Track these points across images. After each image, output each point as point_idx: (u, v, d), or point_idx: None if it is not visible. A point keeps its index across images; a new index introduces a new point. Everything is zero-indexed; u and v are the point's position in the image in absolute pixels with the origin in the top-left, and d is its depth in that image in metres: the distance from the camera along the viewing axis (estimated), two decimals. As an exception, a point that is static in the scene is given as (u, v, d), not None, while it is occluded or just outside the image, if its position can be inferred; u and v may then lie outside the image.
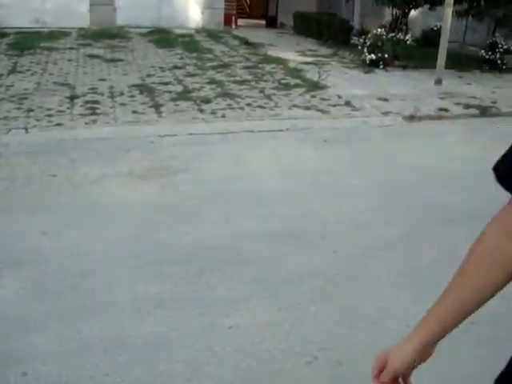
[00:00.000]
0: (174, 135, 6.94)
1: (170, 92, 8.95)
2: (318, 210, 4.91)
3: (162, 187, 5.30)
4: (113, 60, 11.53)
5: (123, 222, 4.50)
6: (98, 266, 3.83)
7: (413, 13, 14.84)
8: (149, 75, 10.21)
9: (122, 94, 8.75)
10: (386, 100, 9.32)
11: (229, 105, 8.37)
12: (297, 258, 4.04)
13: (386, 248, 4.28)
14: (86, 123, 7.24)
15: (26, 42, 13.14)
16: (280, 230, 4.45)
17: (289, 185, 5.50)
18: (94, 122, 7.31)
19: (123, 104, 8.17)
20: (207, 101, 8.50)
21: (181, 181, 5.48)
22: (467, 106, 9.37)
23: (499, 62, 13.83)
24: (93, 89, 8.96)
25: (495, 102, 9.78)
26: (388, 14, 15.46)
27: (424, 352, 1.18)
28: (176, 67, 11.03)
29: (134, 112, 7.78)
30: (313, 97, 9.17)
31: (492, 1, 13.36)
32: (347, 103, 8.93)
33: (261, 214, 4.72)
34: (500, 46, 13.84)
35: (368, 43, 12.40)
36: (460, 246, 4.30)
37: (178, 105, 8.24)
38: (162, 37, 15.13)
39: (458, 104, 9.48)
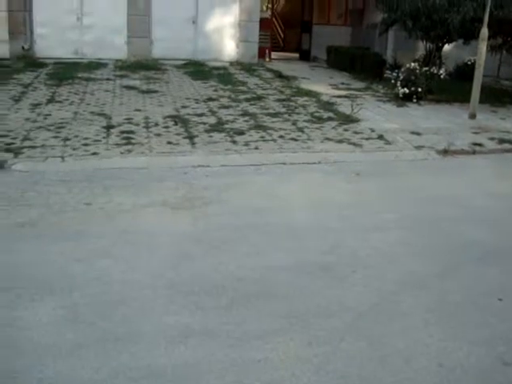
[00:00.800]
0: (208, 166, 7.03)
1: (204, 123, 9.08)
2: (348, 243, 4.90)
3: (195, 218, 5.35)
4: (148, 91, 11.75)
5: (156, 252, 4.55)
6: (130, 294, 3.87)
7: (446, 47, 14.85)
8: (183, 106, 10.38)
9: (156, 124, 8.90)
10: (418, 134, 9.30)
11: (262, 137, 8.45)
12: (327, 292, 4.03)
13: (418, 284, 4.24)
14: (122, 153, 7.37)
15: (65, 72, 13.52)
16: (310, 263, 4.45)
17: (320, 218, 5.51)
18: (129, 151, 7.44)
19: (158, 134, 8.31)
20: (240, 132, 8.59)
21: (213, 212, 5.53)
22: (501, 141, 9.29)
23: (534, 97, 13.73)
24: (128, 119, 9.14)
25: (530, 138, 9.68)
26: (421, 47, 15.49)
27: None
28: (210, 99, 11.19)
29: (168, 143, 7.91)
30: (345, 130, 9.20)
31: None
32: (380, 137, 8.94)
33: (291, 247, 4.73)
34: (535, 80, 13.75)
35: (401, 77, 12.43)
36: (491, 284, 4.29)
37: (211, 136, 8.35)
38: (197, 69, 15.40)
39: (492, 139, 9.41)
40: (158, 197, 5.87)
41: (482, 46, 11.05)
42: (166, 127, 8.76)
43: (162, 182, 6.37)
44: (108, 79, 13.12)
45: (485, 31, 10.95)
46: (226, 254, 4.54)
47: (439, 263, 4.64)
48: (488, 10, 10.93)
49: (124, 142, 7.83)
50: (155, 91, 11.82)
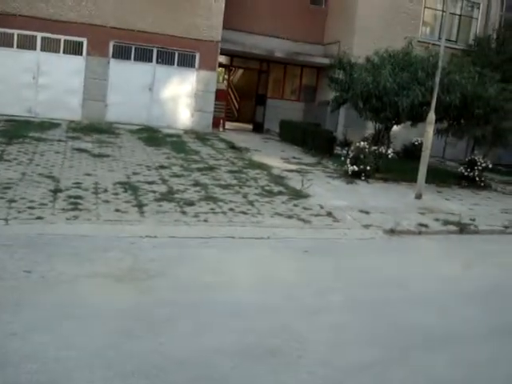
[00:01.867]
0: (155, 237, 6.92)
1: (154, 192, 9.00)
2: (295, 325, 4.83)
3: (139, 292, 5.20)
4: (100, 155, 11.66)
5: (96, 328, 4.37)
6: (65, 374, 3.68)
7: (395, 127, 15.36)
8: (135, 173, 10.30)
9: (106, 190, 8.78)
10: (366, 212, 9.44)
11: (212, 209, 8.42)
12: (271, 378, 3.92)
13: (363, 371, 4.19)
14: (68, 218, 7.20)
15: (16, 130, 13.33)
16: (255, 345, 4.35)
17: (266, 297, 5.44)
18: (76, 217, 7.28)
19: (106, 201, 8.18)
20: (191, 203, 8.55)
21: (158, 286, 5.39)
22: (446, 223, 9.53)
23: (477, 178, 14.25)
24: (77, 183, 8.99)
25: (474, 220, 9.97)
26: (371, 126, 15.99)
27: None
28: (162, 167, 11.17)
29: (116, 210, 7.78)
30: (295, 205, 9.28)
31: (471, 121, 13.89)
32: (329, 214, 9.04)
33: (236, 328, 4.62)
34: (479, 163, 14.29)
35: (351, 155, 12.73)
36: (436, 373, 4.26)
37: (161, 205, 8.27)
38: (151, 135, 15.42)
39: (437, 220, 9.64)
40: (101, 267, 5.70)
41: (430, 130, 11.50)
42: (116, 194, 8.65)
43: (108, 252, 6.22)
44: (59, 140, 12.99)
45: (432, 115, 11.42)
46: (169, 334, 4.40)
47: (385, 350, 4.61)
48: (435, 95, 11.43)
49: (71, 207, 7.67)
50: (107, 155, 11.73)
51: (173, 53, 18.13)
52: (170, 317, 4.70)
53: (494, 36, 20.92)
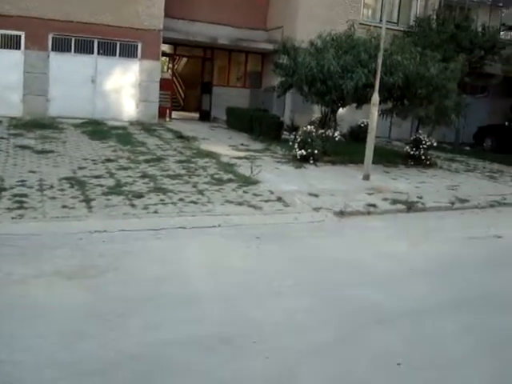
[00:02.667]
0: (104, 231, 6.81)
1: (101, 186, 8.85)
2: (249, 312, 4.84)
3: (89, 289, 5.11)
4: (44, 151, 11.38)
5: (46, 328, 4.28)
6: (17, 376, 3.59)
7: (341, 110, 15.50)
8: (80, 168, 10.10)
9: (51, 187, 8.57)
10: (316, 195, 9.52)
11: (161, 200, 8.34)
12: (228, 366, 3.92)
13: (319, 352, 4.23)
14: (13, 218, 7.01)
15: (-45, 130, 12.90)
16: (211, 335, 4.33)
17: (219, 286, 5.43)
18: (21, 216, 7.08)
19: (53, 198, 7.99)
20: (139, 195, 8.44)
21: (109, 281, 5.31)
22: (394, 202, 9.69)
23: (423, 157, 14.53)
24: (22, 181, 8.75)
25: (421, 197, 10.17)
26: (317, 109, 16.10)
27: None
28: (108, 160, 10.98)
29: (63, 206, 7.61)
30: (245, 192, 9.28)
31: (415, 101, 14.12)
32: (279, 199, 9.07)
33: (191, 318, 4.59)
34: (423, 142, 14.57)
35: (298, 139, 12.79)
36: (391, 348, 4.34)
37: (109, 199, 8.14)
38: (96, 128, 15.14)
39: (385, 199, 9.79)
40: (50, 266, 5.57)
41: (374, 111, 11.63)
42: (62, 190, 8.46)
43: (56, 250, 6.08)
44: (1, 138, 12.61)
45: (376, 97, 11.56)
46: (121, 329, 4.34)
47: (340, 330, 4.66)
48: (379, 76, 11.57)
49: (16, 205, 7.45)
50: (51, 151, 11.47)
51: (114, 43, 17.81)
52: (121, 312, 4.63)
53: (434, 16, 21.31)
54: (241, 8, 21.16)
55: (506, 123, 20.27)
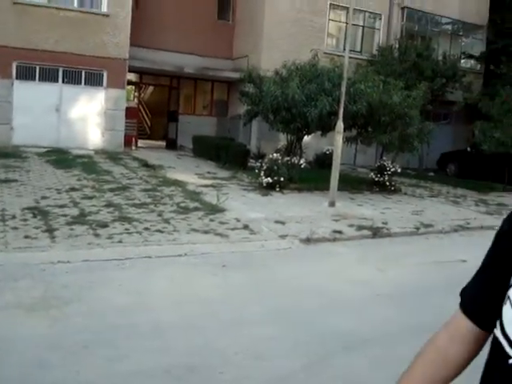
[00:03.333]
0: (68, 262, 6.69)
1: (65, 215, 8.72)
2: (216, 341, 4.79)
3: (53, 320, 5.00)
4: (6, 180, 11.21)
5: (7, 362, 4.16)
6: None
7: (306, 138, 15.66)
8: (44, 197, 9.96)
9: (14, 217, 8.42)
10: (282, 223, 9.54)
11: (126, 229, 8.25)
12: (193, 397, 3.87)
13: (285, 381, 4.20)
14: (-27, 249, 6.86)
15: None
16: (175, 365, 4.27)
17: (186, 315, 5.37)
18: (-18, 248, 6.94)
19: (15, 228, 7.84)
20: (104, 225, 8.34)
21: (73, 312, 5.21)
22: (360, 228, 9.76)
23: (388, 183, 14.73)
24: (-17, 212, 8.60)
25: (386, 223, 10.28)
26: (283, 137, 16.24)
27: None
28: (73, 189, 10.86)
29: (26, 237, 7.47)
30: (211, 220, 9.25)
31: (378, 128, 14.35)
32: (245, 227, 9.07)
33: (154, 349, 4.52)
34: (388, 168, 14.77)
35: (264, 167, 12.85)
36: (359, 376, 4.32)
37: (73, 229, 8.02)
38: (60, 157, 15.00)
39: (351, 226, 9.86)
40: (11, 297, 5.45)
41: (338, 138, 11.78)
42: (24, 220, 8.31)
43: (18, 281, 5.95)
44: (-38, 168, 12.41)
45: (340, 124, 11.71)
46: (86, 361, 4.25)
47: (307, 357, 4.64)
48: (342, 105, 11.74)
49: (-24, 237, 7.31)
50: (14, 180, 11.31)
51: (80, 72, 17.80)
52: (86, 343, 4.54)
53: (397, 45, 21.83)
54: (207, 37, 21.38)
55: (468, 149, 20.70)
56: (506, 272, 1.23)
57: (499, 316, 1.21)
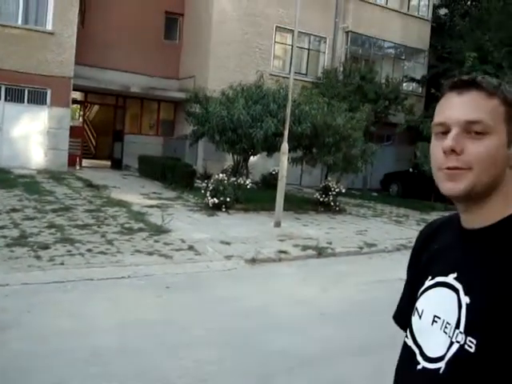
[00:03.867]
0: (7, 285, 6.52)
1: (4, 237, 8.50)
2: (159, 365, 4.73)
3: (-11, 346, 4.86)
4: None
5: None
6: None
7: (252, 158, 15.77)
8: (-17, 218, 9.70)
9: (-50, 239, 8.18)
10: (228, 243, 9.55)
11: (68, 251, 8.09)
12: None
13: (228, 404, 4.19)
14: None
15: None
16: (117, 391, 4.21)
17: (128, 338, 5.29)
18: None
19: (-49, 250, 7.61)
20: (45, 247, 8.15)
21: (12, 337, 5.07)
22: (305, 248, 9.86)
23: (332, 203, 14.93)
24: None
25: (330, 243, 10.41)
26: (230, 158, 16.30)
27: None
28: (14, 210, 10.59)
29: (-38, 259, 7.26)
30: (156, 241, 9.18)
31: (323, 149, 14.58)
32: (190, 247, 9.03)
33: (96, 374, 4.44)
34: (332, 189, 14.99)
35: (210, 187, 12.86)
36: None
37: (12, 251, 7.82)
38: (1, 177, 14.61)
39: (296, 246, 9.95)
40: None
41: (284, 159, 11.90)
42: (-39, 242, 8.08)
43: (-47, 306, 5.77)
44: None
45: (285, 145, 11.85)
46: (23, 387, 4.14)
47: (250, 379, 4.64)
48: (287, 125, 11.90)
49: None
50: (-49, 201, 10.96)
51: (23, 90, 17.46)
52: (24, 369, 4.42)
53: (341, 68, 22.29)
54: (153, 57, 21.34)
55: (410, 169, 21.21)
56: (417, 286, 1.35)
57: (409, 326, 1.32)
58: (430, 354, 1.21)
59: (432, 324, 1.23)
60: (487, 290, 1.14)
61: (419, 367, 1.23)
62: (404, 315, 1.41)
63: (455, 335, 1.16)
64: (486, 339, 1.10)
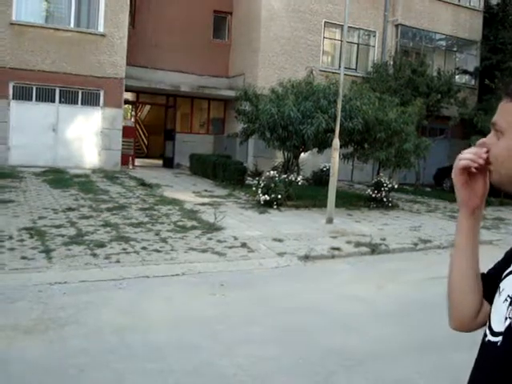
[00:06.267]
0: (65, 283, 6.65)
1: (62, 236, 8.69)
2: (214, 361, 4.74)
3: (50, 342, 4.95)
4: (3, 201, 11.16)
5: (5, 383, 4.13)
6: None
7: (303, 155, 15.68)
8: (41, 217, 9.93)
9: (11, 237, 8.38)
10: (280, 240, 9.52)
11: (124, 249, 8.21)
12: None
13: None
14: (-30, 271, 6.81)
15: None
16: (175, 387, 4.23)
17: (184, 335, 5.32)
18: (-21, 269, 6.89)
19: (12, 249, 7.80)
20: (101, 245, 8.29)
21: (70, 334, 5.16)
22: (358, 245, 9.73)
23: (385, 199, 14.71)
24: (-21, 233, 8.55)
25: (384, 239, 10.24)
26: (280, 154, 16.26)
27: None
28: (70, 209, 10.83)
29: (22, 258, 7.43)
30: (209, 239, 9.22)
31: (375, 145, 14.39)
32: (243, 245, 9.03)
33: (156, 370, 4.47)
34: (385, 185, 14.77)
35: (262, 184, 12.85)
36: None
37: (70, 249, 7.98)
38: (57, 177, 14.98)
39: (349, 242, 9.83)
40: (8, 320, 5.40)
41: (335, 155, 11.79)
42: (21, 240, 8.27)
43: (14, 303, 5.91)
44: (-42, 189, 12.38)
45: (336, 141, 11.73)
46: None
47: (307, 376, 4.60)
48: (338, 121, 11.78)
49: (-27, 259, 7.26)
50: (10, 201, 11.26)
51: (76, 91, 17.84)
52: (83, 366, 4.49)
53: (391, 62, 21.95)
54: (203, 56, 21.49)
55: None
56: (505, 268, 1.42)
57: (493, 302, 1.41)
58: (495, 328, 1.32)
59: (503, 302, 1.32)
60: None
61: (486, 340, 1.34)
62: (484, 281, 1.49)
63: (509, 311, 1.27)
64: None
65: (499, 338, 1.29)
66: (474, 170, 1.38)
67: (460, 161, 1.39)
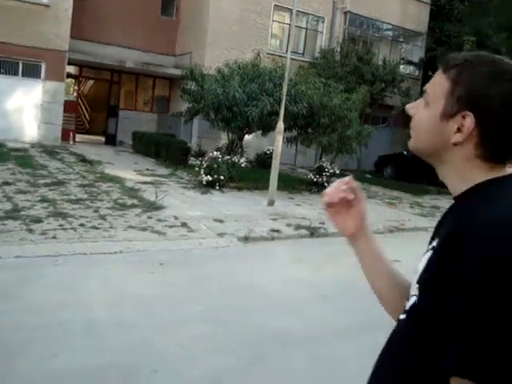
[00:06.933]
0: (0, 258, 6.50)
1: (-3, 210, 8.47)
2: (151, 339, 4.74)
3: (-17, 317, 4.85)
4: None
5: None
6: None
7: (247, 137, 15.71)
8: (-25, 191, 9.65)
9: None
10: (221, 221, 9.55)
11: (61, 225, 8.06)
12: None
13: (222, 379, 4.20)
14: None
15: None
16: (111, 364, 4.20)
17: (122, 313, 5.29)
18: None
19: None
20: (37, 220, 8.11)
21: (5, 310, 5.05)
22: (298, 227, 9.86)
23: (326, 184, 14.89)
24: None
25: (323, 223, 10.39)
26: (224, 136, 16.24)
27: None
28: (6, 183, 10.53)
29: (-45, 231, 7.23)
30: (149, 218, 9.16)
31: (318, 130, 14.55)
32: (183, 224, 9.02)
33: (90, 347, 4.44)
34: (326, 170, 14.97)
35: (205, 165, 12.82)
36: (294, 373, 4.37)
37: (5, 224, 7.77)
38: (-6, 150, 14.54)
39: (289, 225, 9.95)
40: None
41: (279, 138, 11.86)
42: (-47, 216, 8.03)
43: None
44: None
45: (280, 125, 11.80)
46: (18, 360, 4.13)
47: (242, 356, 4.65)
48: (283, 105, 11.84)
49: None
50: None
51: (17, 62, 17.27)
52: (20, 341, 4.41)
53: (338, 49, 22.15)
54: (150, 32, 21.14)
55: (405, 152, 21.18)
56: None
57: None
58: (406, 305, 1.32)
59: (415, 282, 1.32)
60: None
61: (399, 317, 1.35)
62: None
63: (413, 289, 1.28)
64: (421, 294, 1.23)
65: (405, 316, 1.33)
66: (337, 200, 1.47)
67: (323, 197, 1.48)
